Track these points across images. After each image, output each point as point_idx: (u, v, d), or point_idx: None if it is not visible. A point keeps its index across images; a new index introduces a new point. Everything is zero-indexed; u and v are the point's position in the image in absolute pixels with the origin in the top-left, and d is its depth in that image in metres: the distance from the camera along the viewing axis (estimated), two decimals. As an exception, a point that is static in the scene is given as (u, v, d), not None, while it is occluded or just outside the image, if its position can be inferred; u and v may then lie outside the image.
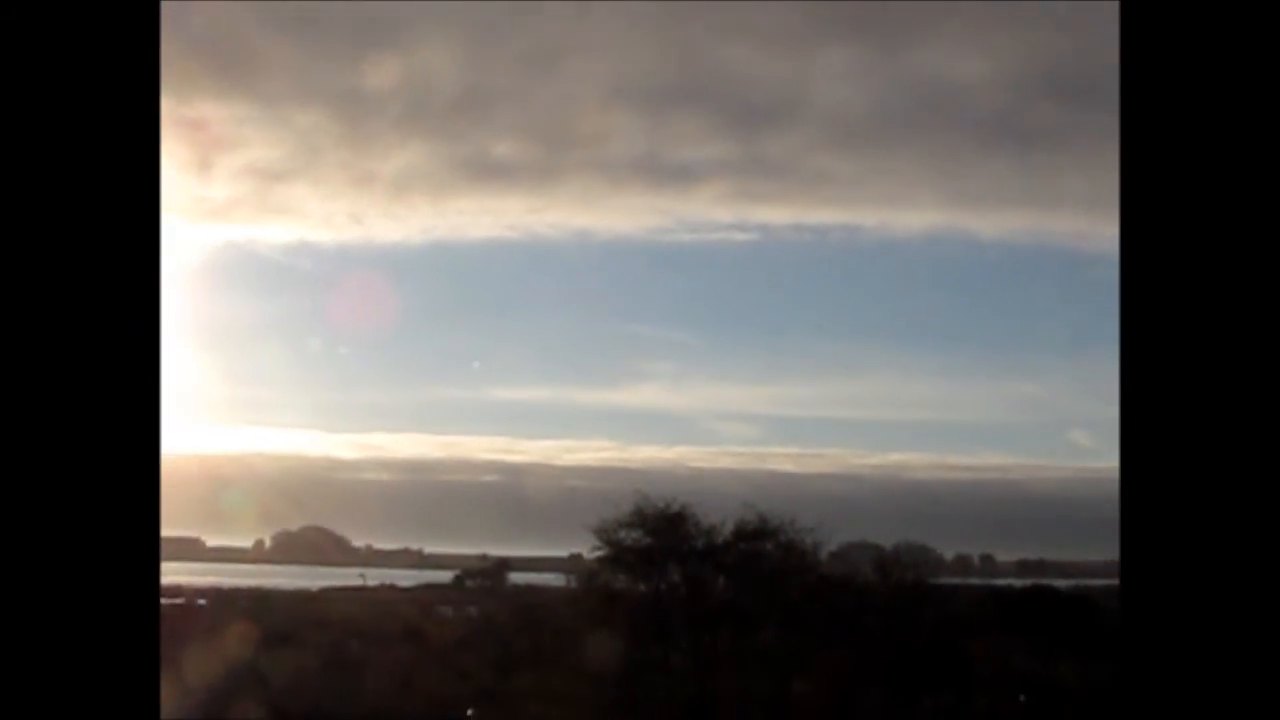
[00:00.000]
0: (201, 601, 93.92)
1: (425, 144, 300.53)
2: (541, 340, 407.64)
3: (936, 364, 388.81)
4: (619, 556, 51.16)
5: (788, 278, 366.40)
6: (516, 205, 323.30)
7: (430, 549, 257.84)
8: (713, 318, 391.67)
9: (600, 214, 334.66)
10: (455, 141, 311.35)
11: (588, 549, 53.17)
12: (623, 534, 50.78)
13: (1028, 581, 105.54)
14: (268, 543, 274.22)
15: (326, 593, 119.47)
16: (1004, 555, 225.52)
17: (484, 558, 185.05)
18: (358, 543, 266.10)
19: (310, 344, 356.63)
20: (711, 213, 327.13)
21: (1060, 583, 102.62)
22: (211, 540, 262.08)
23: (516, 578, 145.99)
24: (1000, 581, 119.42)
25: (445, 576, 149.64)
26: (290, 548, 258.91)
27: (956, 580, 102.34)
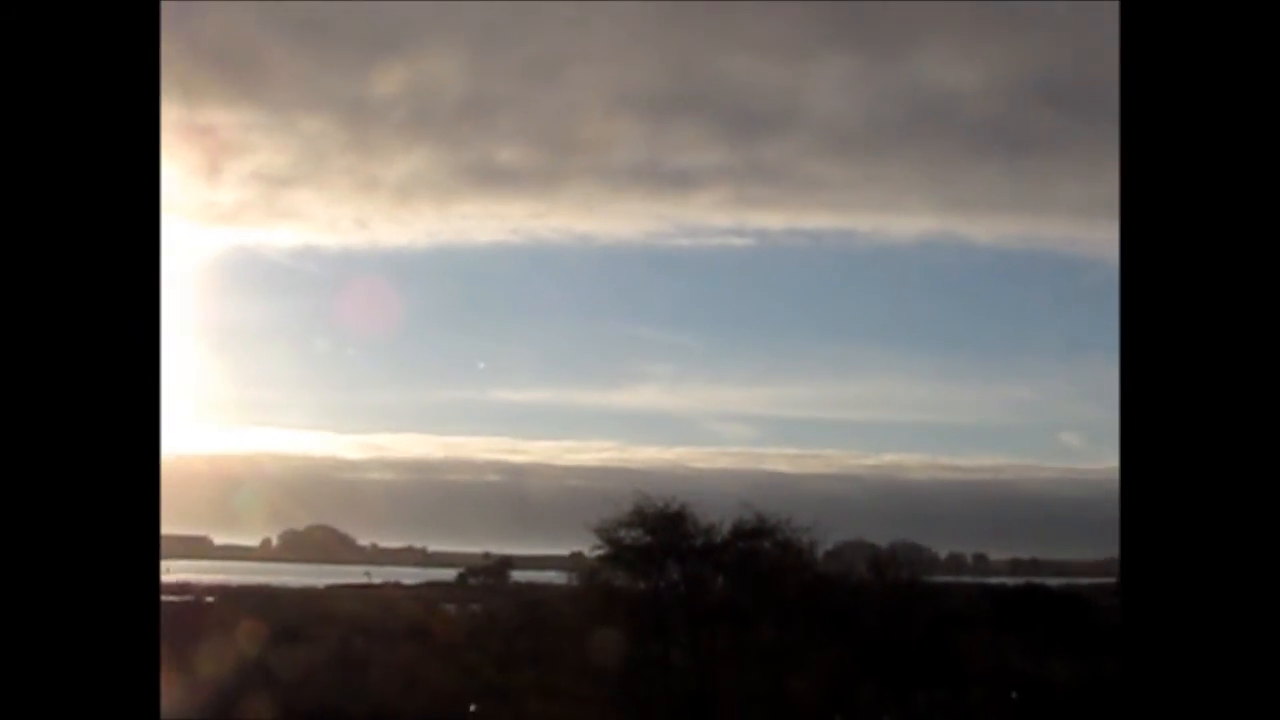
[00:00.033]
0: (210, 599, 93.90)
1: (430, 150, 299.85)
2: (543, 343, 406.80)
3: (931, 367, 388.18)
4: (619, 555, 51.19)
5: (785, 282, 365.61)
6: (519, 210, 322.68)
7: (434, 547, 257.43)
8: (711, 321, 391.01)
9: (601, 219, 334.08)
10: (459, 147, 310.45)
11: (589, 547, 53.23)
12: (623, 533, 50.81)
13: (1020, 580, 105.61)
14: (275, 541, 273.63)
15: (332, 590, 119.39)
16: (996, 554, 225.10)
17: (487, 556, 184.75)
18: (363, 541, 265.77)
19: (316, 346, 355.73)
20: (710, 218, 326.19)
21: (1052, 581, 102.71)
22: (219, 539, 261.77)
23: (519, 575, 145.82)
24: (993, 580, 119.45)
25: (449, 574, 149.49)
26: (297, 546, 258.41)
27: (950, 578, 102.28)
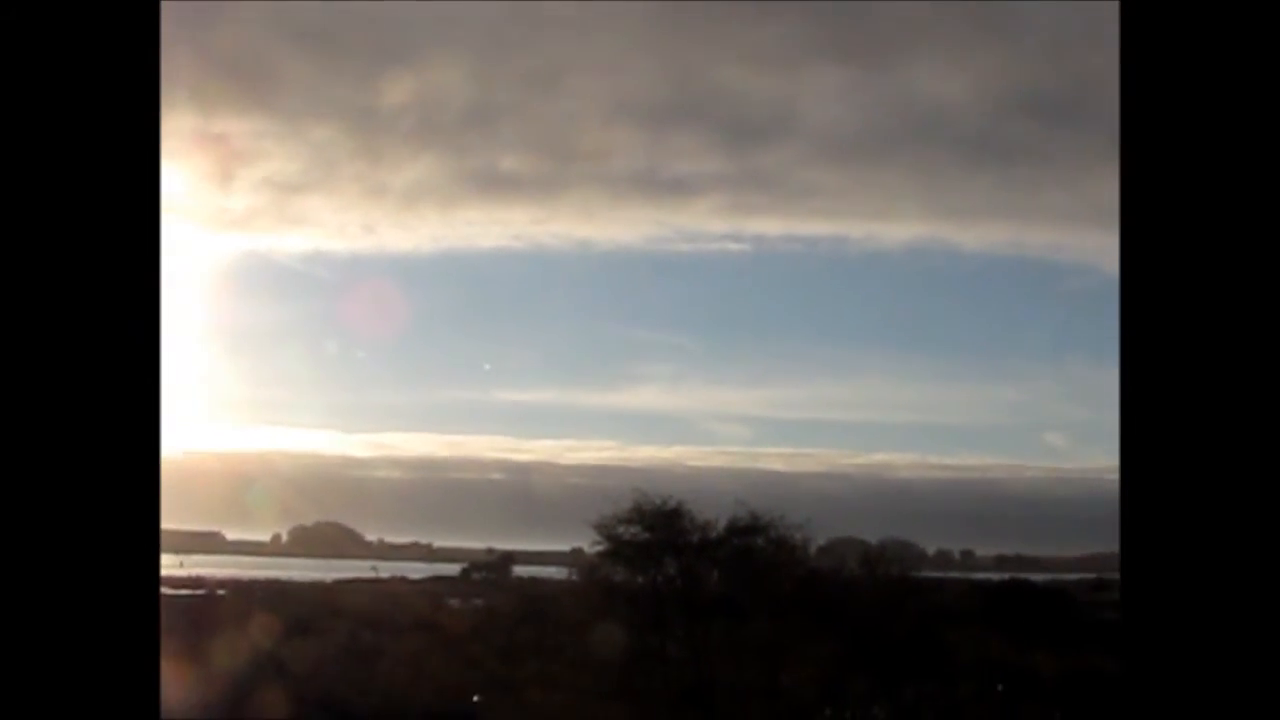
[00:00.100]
0: (222, 592, 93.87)
1: (435, 157, 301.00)
2: (545, 345, 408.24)
3: (920, 369, 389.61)
4: (618, 551, 51.12)
5: (780, 286, 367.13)
6: (522, 216, 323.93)
7: (439, 543, 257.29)
8: (709, 324, 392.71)
9: (602, 225, 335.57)
10: (464, 155, 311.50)
11: (589, 543, 53.05)
12: (622, 529, 50.70)
13: (1006, 576, 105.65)
14: (285, 536, 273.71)
15: (340, 584, 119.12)
16: (983, 551, 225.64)
17: (490, 551, 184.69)
18: (370, 537, 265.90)
19: (326, 348, 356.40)
20: (707, 224, 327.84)
21: (1037, 577, 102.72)
22: (231, 534, 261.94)
23: (521, 571, 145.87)
24: (980, 575, 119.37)
25: (453, 569, 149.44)
26: (306, 541, 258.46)
27: (938, 574, 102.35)
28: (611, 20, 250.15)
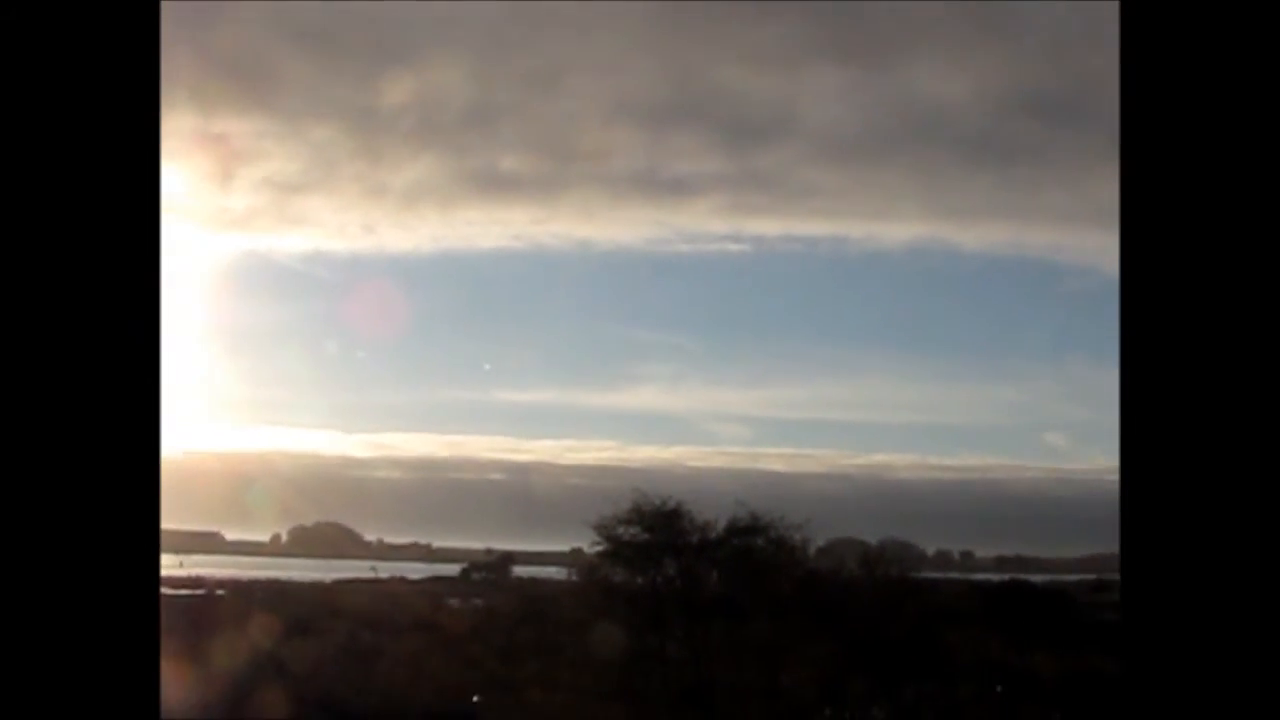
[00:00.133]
0: (221, 592, 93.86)
1: (435, 158, 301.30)
2: (545, 345, 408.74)
3: (921, 369, 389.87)
4: (618, 551, 51.13)
5: (779, 286, 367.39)
6: (522, 216, 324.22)
7: (439, 543, 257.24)
8: (708, 324, 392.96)
9: (602, 225, 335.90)
10: (464, 155, 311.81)
11: (588, 544, 53.08)
12: (621, 530, 50.72)
13: (1005, 576, 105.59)
14: (284, 537, 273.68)
15: (340, 584, 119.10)
16: (983, 551, 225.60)
17: (490, 552, 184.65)
18: (370, 537, 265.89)
19: (326, 348, 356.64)
20: (707, 224, 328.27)
21: (1036, 577, 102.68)
22: (231, 534, 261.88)
23: (520, 571, 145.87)
24: (979, 576, 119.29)
25: (453, 569, 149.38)
26: (306, 541, 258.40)
27: (938, 575, 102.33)
28: (611, 20, 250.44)
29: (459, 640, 64.49)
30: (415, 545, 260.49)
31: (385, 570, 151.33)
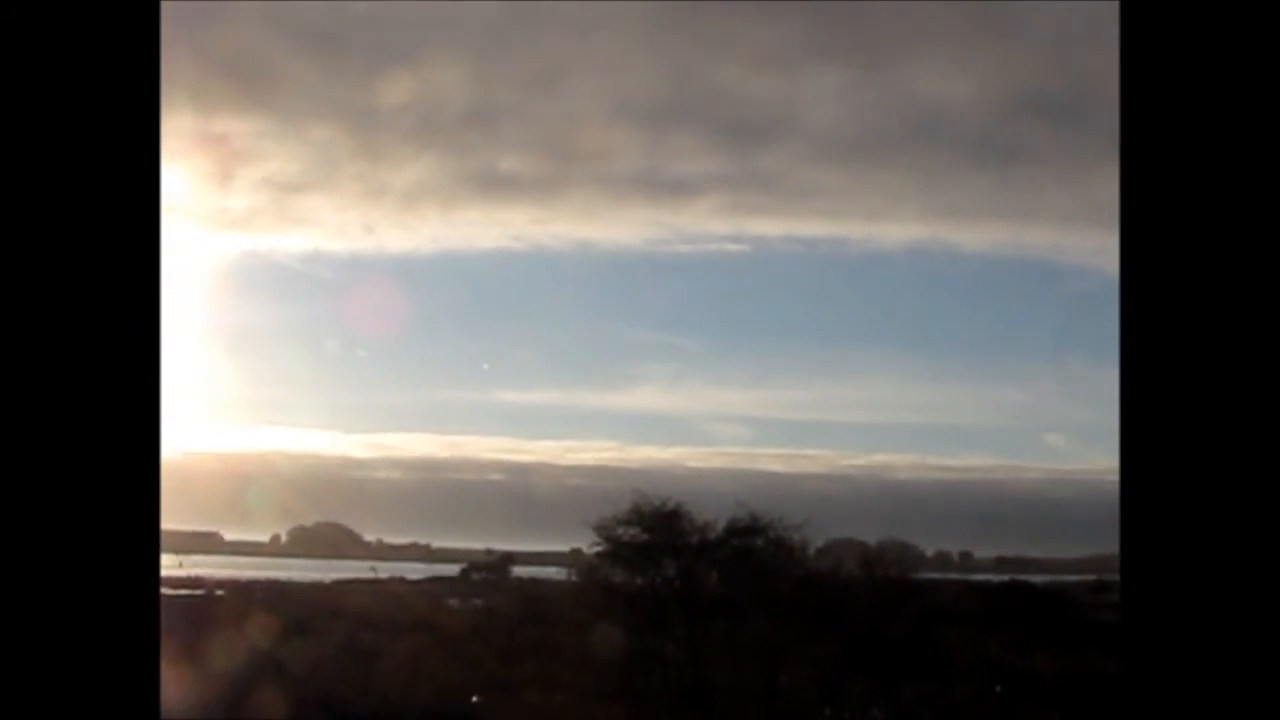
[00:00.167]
0: (220, 593, 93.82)
1: (435, 158, 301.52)
2: (545, 345, 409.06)
3: (920, 369, 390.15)
4: (617, 552, 51.17)
5: (779, 287, 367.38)
6: (522, 217, 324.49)
7: (438, 544, 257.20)
8: (709, 325, 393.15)
9: (602, 225, 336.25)
10: (464, 155, 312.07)
11: (588, 544, 53.13)
12: (621, 530, 50.76)
13: (1005, 577, 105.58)
14: (284, 537, 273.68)
15: (339, 585, 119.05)
16: (982, 552, 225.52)
17: (489, 552, 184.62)
18: (369, 537, 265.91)
19: (326, 348, 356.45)
20: (707, 225, 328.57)
21: (1036, 578, 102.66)
22: (230, 534, 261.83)
23: (520, 571, 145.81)
24: (979, 577, 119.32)
25: (453, 570, 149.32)
26: (305, 542, 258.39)
27: (937, 575, 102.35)
28: (612, 20, 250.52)
29: (458, 640, 64.47)
30: (415, 545, 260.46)
31: (385, 570, 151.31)
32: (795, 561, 53.14)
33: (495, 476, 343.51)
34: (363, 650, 60.09)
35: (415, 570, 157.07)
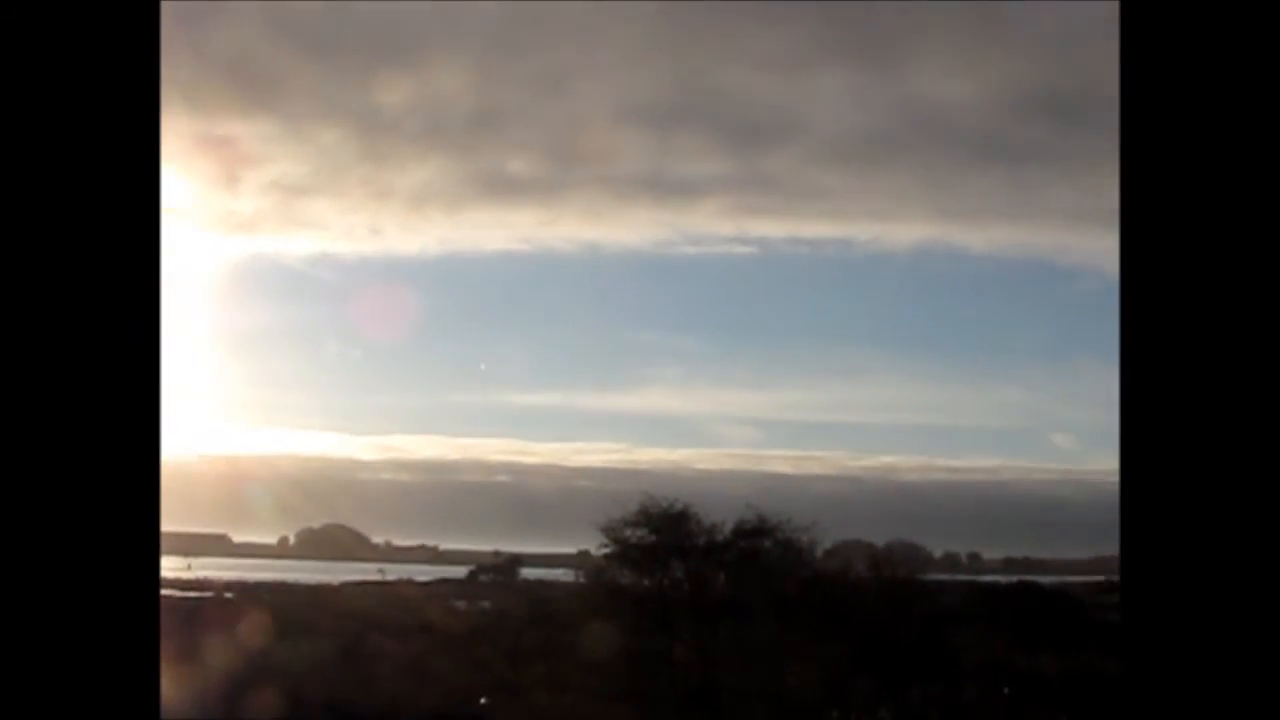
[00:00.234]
0: (229, 595, 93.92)
1: (441, 160, 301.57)
2: (552, 347, 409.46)
3: (927, 371, 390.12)
4: (625, 553, 51.18)
5: (786, 288, 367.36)
6: (528, 219, 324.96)
7: (446, 545, 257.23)
8: (715, 327, 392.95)
9: (608, 227, 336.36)
10: (469, 158, 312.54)
11: (595, 546, 53.09)
12: (629, 532, 50.78)
13: (1013, 578, 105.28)
14: (292, 539, 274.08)
15: (347, 587, 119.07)
16: (990, 553, 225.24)
17: (497, 554, 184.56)
18: (377, 539, 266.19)
19: (332, 350, 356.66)
20: (713, 226, 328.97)
21: (1044, 579, 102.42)
22: (238, 536, 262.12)
23: (528, 573, 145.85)
24: (986, 578, 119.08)
25: (460, 572, 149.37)
26: (313, 544, 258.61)
27: (945, 577, 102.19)
28: (617, 22, 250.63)
29: (466, 643, 64.50)
30: (423, 547, 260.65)
31: (393, 572, 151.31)
32: (803, 563, 53.13)
33: (503, 478, 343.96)
34: (370, 652, 60.13)
35: (423, 572, 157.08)
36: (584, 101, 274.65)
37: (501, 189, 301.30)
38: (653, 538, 50.97)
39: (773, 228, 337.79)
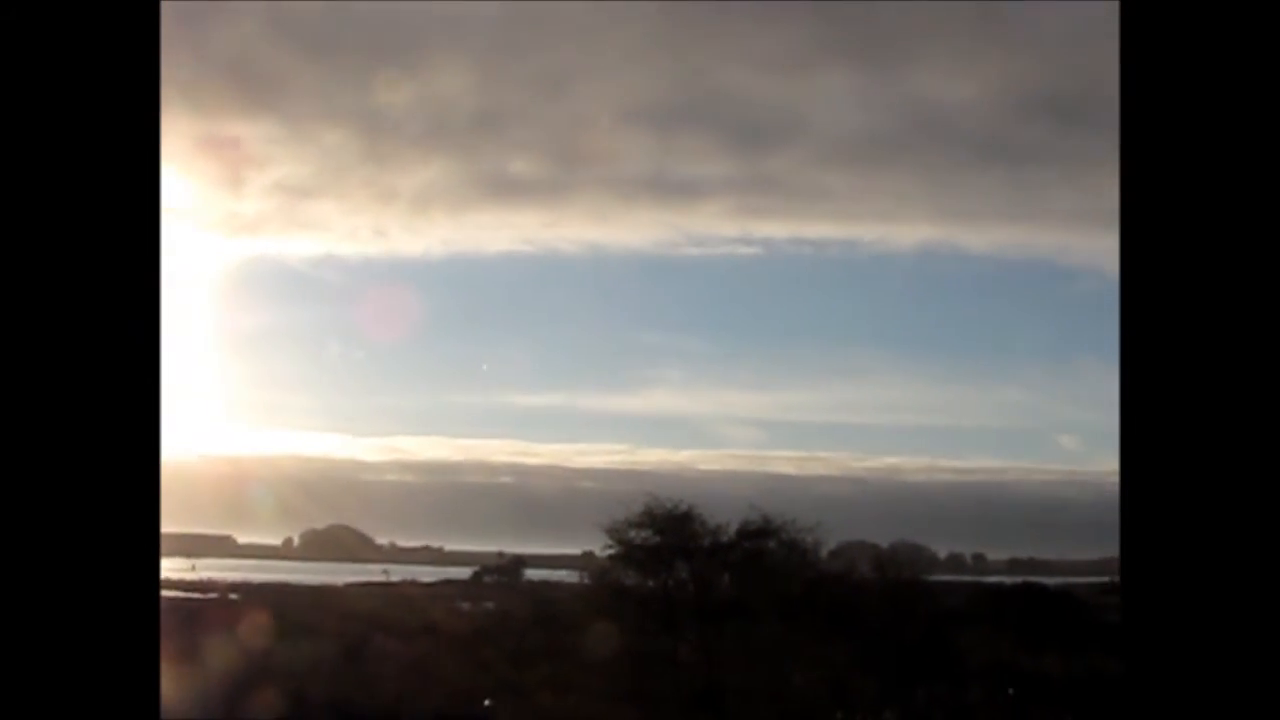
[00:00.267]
0: (233, 596, 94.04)
1: (444, 161, 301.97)
2: (556, 348, 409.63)
3: (931, 371, 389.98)
4: (629, 554, 51.24)
5: (789, 289, 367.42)
6: (531, 220, 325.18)
7: (450, 546, 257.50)
8: (719, 327, 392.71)
9: (611, 228, 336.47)
10: (473, 159, 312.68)
11: (599, 547, 53.24)
12: (633, 533, 50.83)
13: (1017, 579, 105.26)
14: (296, 540, 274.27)
15: (351, 588, 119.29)
16: (994, 554, 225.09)
17: (501, 555, 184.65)
18: (381, 540, 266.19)
19: (336, 352, 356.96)
20: (717, 227, 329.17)
21: (1048, 580, 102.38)
22: (243, 538, 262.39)
23: (532, 574, 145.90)
24: (991, 579, 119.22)
25: (464, 573, 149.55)
26: (317, 545, 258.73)
27: (949, 577, 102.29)
28: (620, 23, 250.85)
29: (470, 643, 64.58)
30: (427, 549, 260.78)
31: (397, 573, 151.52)
32: (807, 564, 53.16)
33: (506, 479, 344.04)
34: (374, 653, 60.21)
35: (427, 573, 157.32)
36: (587, 102, 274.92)
37: (504, 190, 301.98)
38: (657, 539, 51.01)
39: (776, 228, 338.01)
